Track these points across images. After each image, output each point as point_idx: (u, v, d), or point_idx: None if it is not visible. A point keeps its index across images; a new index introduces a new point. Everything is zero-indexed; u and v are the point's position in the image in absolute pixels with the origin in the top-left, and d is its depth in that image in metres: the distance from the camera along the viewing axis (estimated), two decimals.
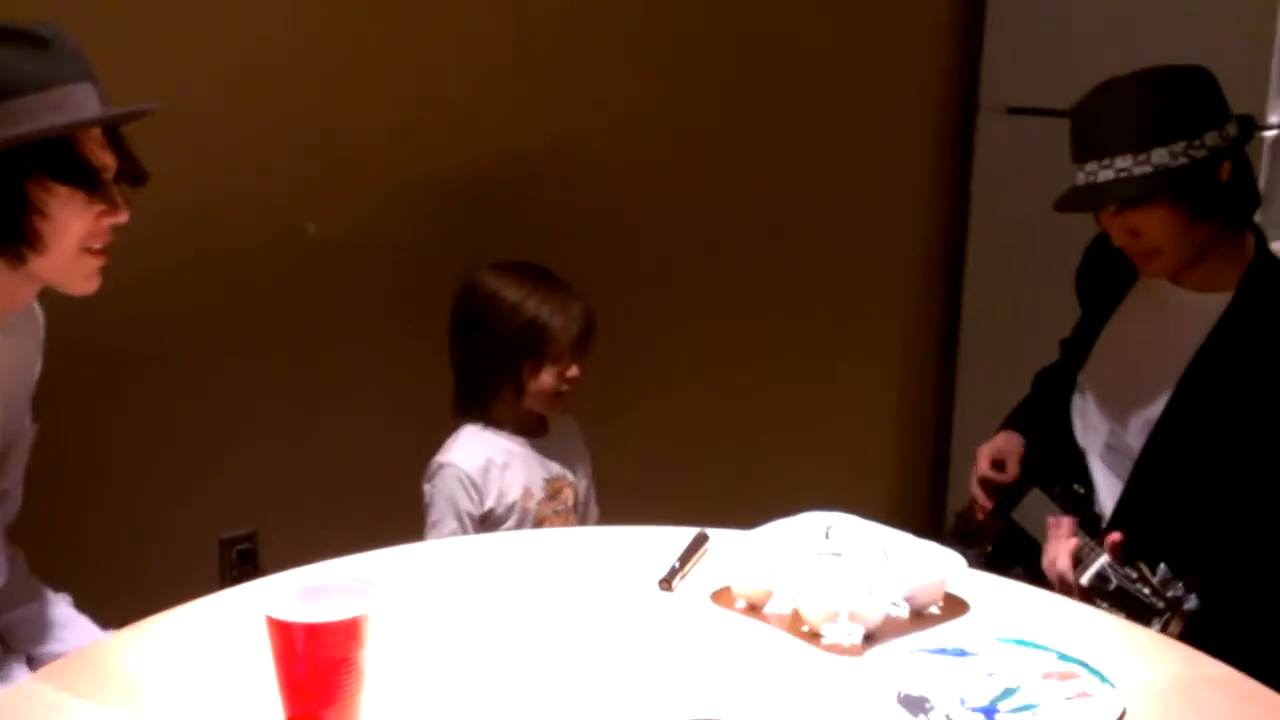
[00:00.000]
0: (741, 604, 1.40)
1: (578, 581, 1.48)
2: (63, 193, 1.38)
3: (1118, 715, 1.18)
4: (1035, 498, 2.00)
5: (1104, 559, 1.65)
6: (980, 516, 2.06)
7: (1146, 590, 1.57)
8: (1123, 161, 1.72)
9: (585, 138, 2.60)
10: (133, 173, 1.47)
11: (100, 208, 1.42)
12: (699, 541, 1.53)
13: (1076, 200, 1.79)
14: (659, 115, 2.68)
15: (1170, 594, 1.56)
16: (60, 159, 1.37)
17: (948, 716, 1.18)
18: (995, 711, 1.19)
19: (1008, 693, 1.22)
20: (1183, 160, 1.71)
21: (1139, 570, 1.61)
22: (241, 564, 2.32)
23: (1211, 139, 1.73)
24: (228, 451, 2.31)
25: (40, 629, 1.64)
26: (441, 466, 2.05)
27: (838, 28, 2.88)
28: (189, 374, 2.27)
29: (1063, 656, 1.29)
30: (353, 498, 2.36)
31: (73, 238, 1.41)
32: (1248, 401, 1.73)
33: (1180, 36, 2.56)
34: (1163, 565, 1.61)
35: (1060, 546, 1.73)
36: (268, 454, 2.35)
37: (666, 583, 1.45)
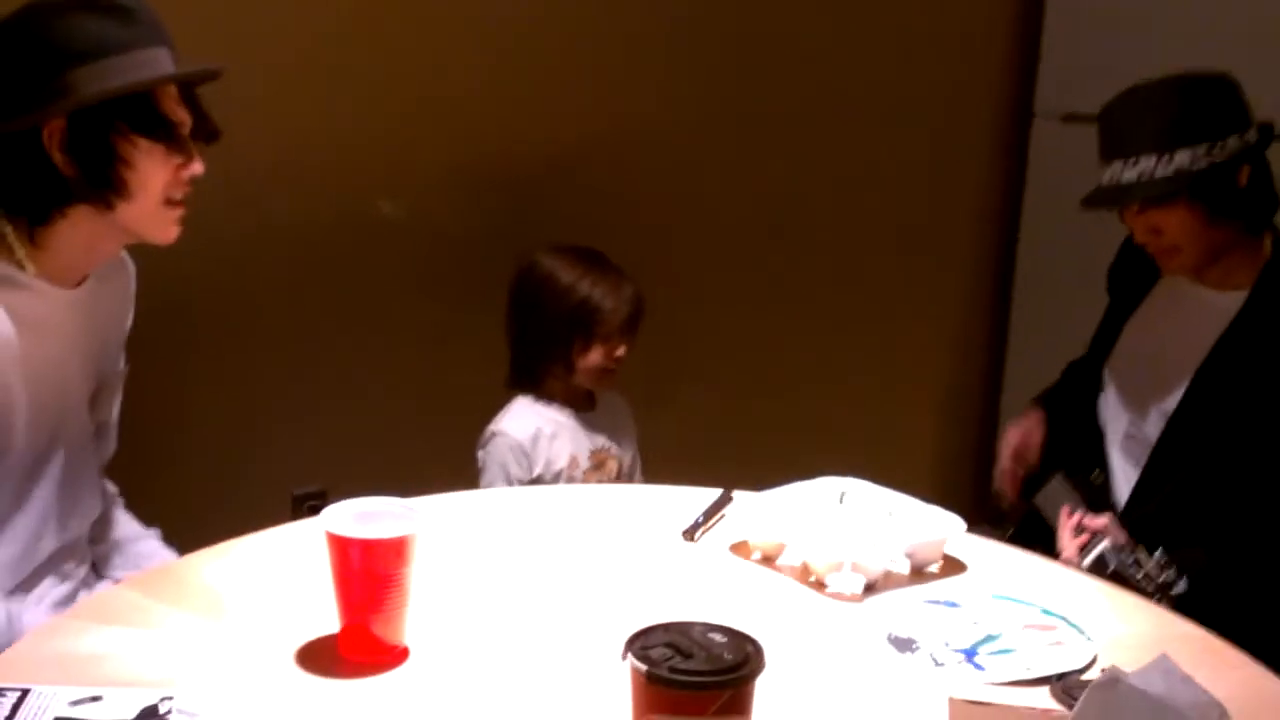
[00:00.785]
0: (757, 555, 1.53)
1: (611, 530, 1.62)
2: (145, 145, 1.51)
3: (1088, 661, 1.28)
4: (1057, 484, 2.10)
5: (1105, 544, 1.75)
6: (1003, 506, 2.16)
7: (1140, 575, 1.68)
8: (1146, 162, 1.81)
9: (640, 128, 2.74)
10: (206, 129, 1.60)
11: (178, 160, 1.54)
12: (724, 500, 1.66)
13: (1101, 198, 1.88)
14: (721, 112, 2.82)
15: (1161, 579, 1.66)
16: (143, 114, 1.51)
17: (931, 655, 1.30)
18: (975, 653, 1.30)
19: (989, 638, 1.33)
20: (1203, 163, 1.79)
21: (1136, 556, 1.71)
22: (311, 519, 2.48)
23: (1232, 143, 1.81)
24: (301, 413, 2.48)
25: (131, 559, 1.78)
26: (494, 435, 2.18)
27: (894, 32, 2.99)
28: (265, 337, 2.44)
29: (1045, 611, 1.40)
30: (413, 462, 2.49)
31: (155, 187, 1.53)
32: (1260, 395, 1.81)
33: (1231, 44, 2.62)
34: (1159, 550, 1.71)
35: (1068, 538, 1.83)
36: (337, 418, 2.52)
37: (690, 534, 1.58)
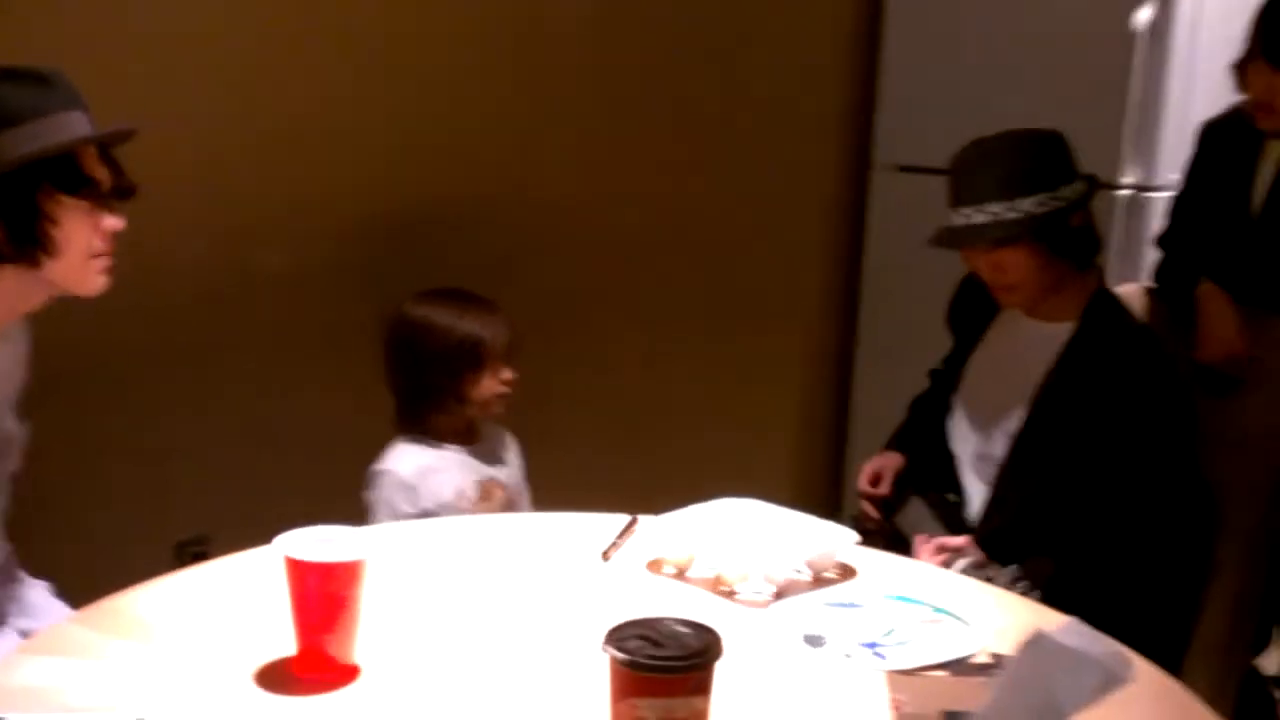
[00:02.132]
0: (670, 570, 1.65)
1: (529, 555, 1.71)
2: (70, 203, 1.58)
3: (976, 648, 1.44)
4: (915, 505, 2.30)
5: (963, 562, 1.94)
6: (869, 526, 2.33)
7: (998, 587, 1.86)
8: (995, 207, 2.02)
9: (510, 172, 2.87)
10: (122, 186, 1.67)
11: (100, 215, 1.62)
12: (631, 523, 1.78)
13: (952, 237, 2.08)
14: (586, 161, 2.97)
15: (1017, 590, 1.84)
16: (67, 174, 1.58)
17: (841, 650, 1.43)
18: (878, 645, 1.45)
19: (889, 632, 1.48)
20: (1043, 209, 2.01)
21: (988, 573, 1.89)
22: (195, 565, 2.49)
23: (1066, 191, 2.03)
24: (181, 461, 2.49)
25: (24, 608, 1.79)
26: (379, 473, 2.23)
27: (749, 91, 3.21)
28: (144, 386, 2.44)
29: (935, 609, 1.56)
30: (298, 505, 2.53)
31: (81, 243, 1.61)
32: (1089, 413, 2.01)
33: (1049, 106, 2.87)
34: (1013, 566, 1.90)
35: (927, 556, 2.01)
36: (219, 464, 2.53)
37: (605, 554, 1.69)
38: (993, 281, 2.11)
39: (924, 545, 2.05)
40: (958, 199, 2.08)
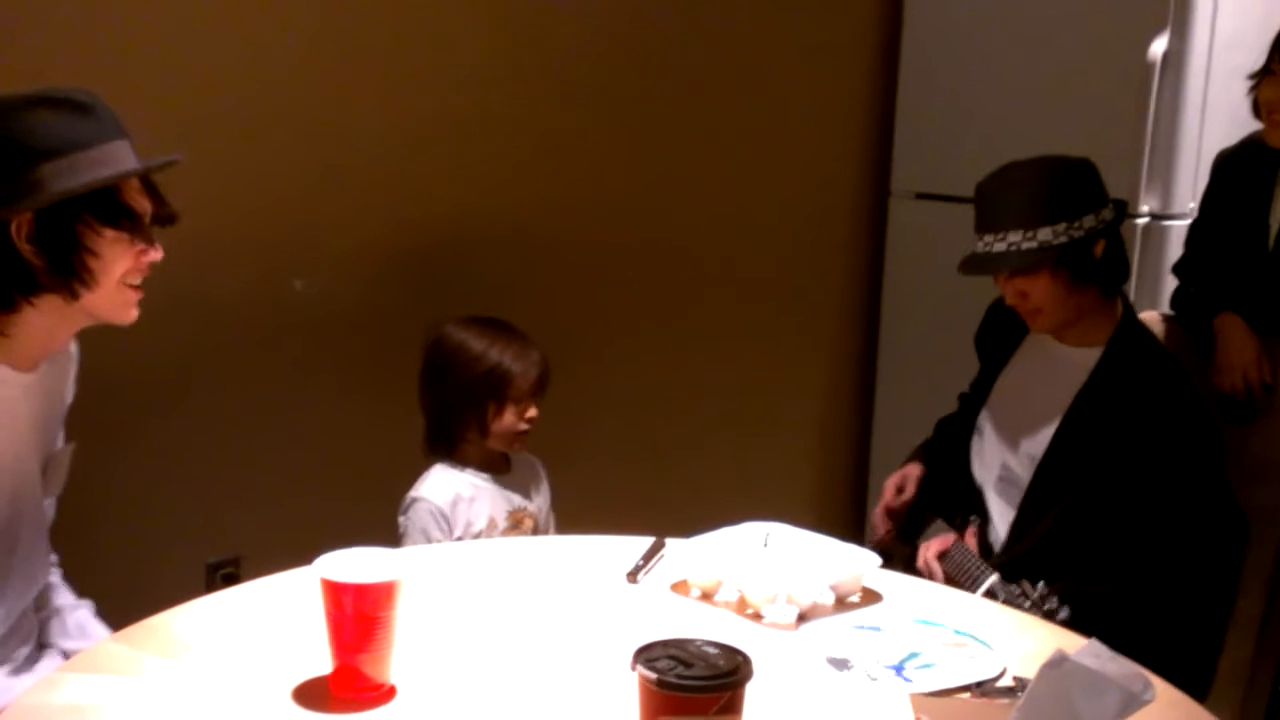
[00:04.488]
0: (696, 593, 1.68)
1: (558, 576, 1.74)
2: (110, 235, 1.58)
3: (999, 671, 1.46)
4: (938, 527, 2.32)
5: (994, 578, 1.96)
6: (877, 540, 2.35)
7: (1027, 604, 1.87)
8: (1014, 236, 2.05)
9: (541, 201, 2.92)
10: (164, 215, 1.68)
11: (141, 247, 1.62)
12: (657, 545, 1.80)
13: (975, 265, 2.11)
14: (614, 190, 3.03)
15: (1046, 607, 1.86)
16: (108, 206, 1.58)
17: (866, 672, 1.46)
18: (902, 668, 1.47)
19: (913, 655, 1.51)
20: (1064, 238, 2.03)
21: (1021, 587, 1.91)
22: (225, 587, 2.52)
23: (1089, 221, 2.05)
24: (215, 483, 2.53)
25: (67, 628, 1.82)
26: (415, 501, 2.25)
27: (769, 120, 3.26)
28: (179, 409, 2.49)
29: (957, 631, 1.58)
30: (331, 528, 2.56)
31: (118, 274, 1.61)
32: (1116, 438, 2.04)
33: (1066, 136, 2.92)
34: (1041, 583, 1.91)
35: (928, 547, 2.04)
36: (253, 487, 2.58)
37: (632, 576, 1.72)
38: (1018, 307, 2.13)
39: (922, 549, 2.09)
40: (981, 225, 2.11)
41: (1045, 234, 2.03)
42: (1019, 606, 1.85)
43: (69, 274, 1.57)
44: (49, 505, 1.79)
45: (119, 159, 1.60)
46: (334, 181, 2.62)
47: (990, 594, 1.92)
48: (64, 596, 1.85)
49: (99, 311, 1.65)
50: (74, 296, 1.59)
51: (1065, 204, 2.04)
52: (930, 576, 2.01)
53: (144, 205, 1.64)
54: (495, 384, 2.23)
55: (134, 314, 1.67)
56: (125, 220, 1.60)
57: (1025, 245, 2.03)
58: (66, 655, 1.76)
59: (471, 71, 2.79)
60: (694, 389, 3.24)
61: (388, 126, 2.68)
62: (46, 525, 1.77)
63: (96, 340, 1.78)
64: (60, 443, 1.81)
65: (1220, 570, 2.10)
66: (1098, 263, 2.07)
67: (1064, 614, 1.85)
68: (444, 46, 2.74)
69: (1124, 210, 2.17)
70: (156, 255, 1.65)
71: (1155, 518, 2.00)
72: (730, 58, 3.17)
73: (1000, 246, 2.06)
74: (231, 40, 2.46)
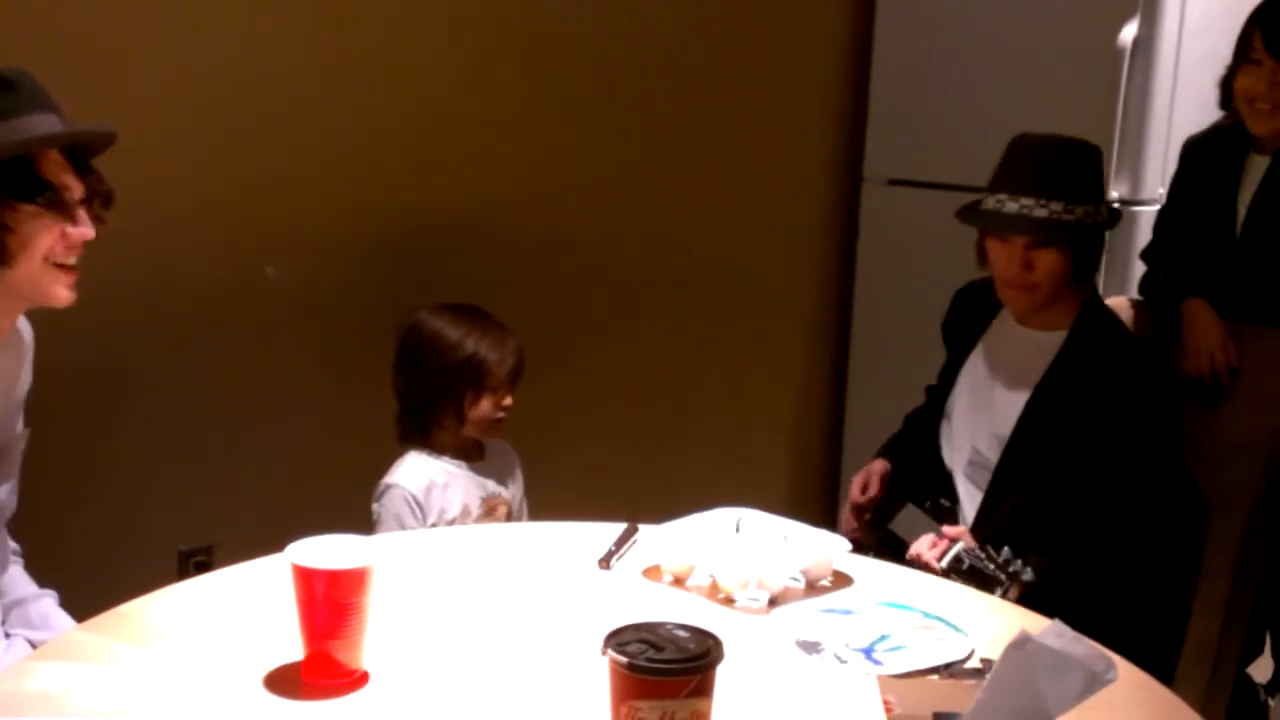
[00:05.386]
0: (668, 578, 1.69)
1: (531, 562, 1.75)
2: (26, 210, 1.53)
3: (967, 653, 1.48)
4: (909, 511, 2.34)
5: (960, 545, 1.97)
6: (848, 535, 2.36)
7: (992, 566, 1.88)
8: (1055, 205, 2.04)
9: (515, 189, 2.91)
10: (99, 192, 1.62)
11: (63, 224, 1.56)
12: (630, 531, 1.81)
13: (999, 222, 2.07)
14: (587, 177, 3.03)
15: (1010, 569, 1.86)
16: (21, 179, 1.52)
17: (835, 655, 1.47)
18: (872, 651, 1.48)
19: (883, 638, 1.52)
20: (1092, 219, 2.06)
21: (987, 552, 1.92)
22: (198, 574, 2.52)
23: (1105, 211, 2.10)
24: (187, 469, 2.53)
25: (28, 618, 1.81)
26: (389, 487, 2.24)
27: (742, 107, 3.26)
28: (152, 395, 2.48)
29: (926, 614, 1.59)
30: (304, 515, 2.55)
31: (38, 252, 1.55)
32: (1079, 418, 2.06)
33: (1037, 121, 2.91)
34: (1006, 548, 1.92)
35: (925, 545, 2.05)
36: (226, 474, 2.57)
37: (605, 562, 1.72)
38: (1013, 277, 2.10)
39: (921, 540, 2.09)
40: (1016, 186, 2.07)
41: (1081, 211, 2.05)
42: (984, 570, 1.86)
43: None
44: (5, 491, 1.77)
45: (37, 130, 1.54)
46: (310, 169, 2.61)
47: (955, 560, 1.91)
48: (27, 587, 1.84)
49: (25, 291, 1.59)
50: None
51: (1095, 188, 2.09)
52: (923, 568, 2.01)
53: (66, 180, 1.58)
54: (473, 373, 2.23)
55: (66, 295, 1.61)
56: (41, 195, 1.54)
57: (1065, 218, 2.04)
58: (34, 645, 1.75)
59: (460, 65, 2.78)
60: (666, 376, 3.24)
61: (375, 116, 2.67)
62: (2, 512, 1.75)
63: (68, 325, 1.76)
64: (19, 429, 1.78)
65: (1178, 550, 2.13)
66: (1099, 250, 2.11)
67: (1027, 575, 1.85)
68: (437, 39, 2.74)
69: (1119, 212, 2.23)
70: (85, 233, 1.59)
71: (1113, 496, 2.02)
72: (701, 41, 3.16)
73: (1042, 212, 2.04)
74: (216, 27, 2.45)
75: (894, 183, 3.34)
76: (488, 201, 2.87)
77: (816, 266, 3.55)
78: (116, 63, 2.32)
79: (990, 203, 2.10)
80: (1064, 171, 2.07)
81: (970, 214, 2.14)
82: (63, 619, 1.83)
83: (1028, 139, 2.13)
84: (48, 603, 1.85)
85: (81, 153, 1.62)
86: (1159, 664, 1.87)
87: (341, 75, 2.62)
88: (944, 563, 1.90)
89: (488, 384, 2.24)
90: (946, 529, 2.00)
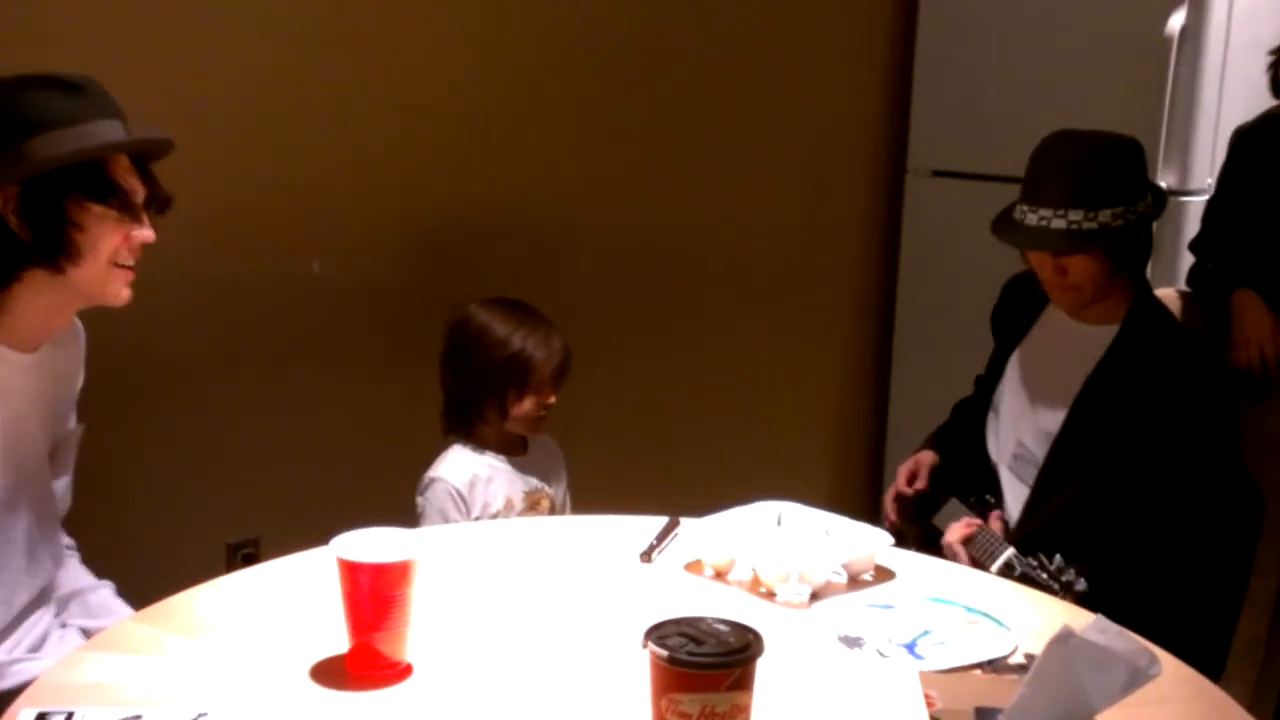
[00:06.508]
0: (709, 572, 1.69)
1: (574, 556, 1.76)
2: (97, 211, 1.59)
3: (1011, 649, 1.47)
4: (953, 506, 2.32)
5: (1010, 551, 1.96)
6: (889, 524, 2.35)
7: (1045, 575, 1.87)
8: (1074, 215, 2.01)
9: (559, 184, 2.94)
10: (158, 198, 1.69)
11: (128, 225, 1.62)
12: (671, 525, 1.81)
13: (1024, 237, 2.07)
14: (629, 172, 3.04)
15: (1064, 579, 1.86)
16: (94, 181, 1.59)
17: (877, 650, 1.47)
18: (914, 646, 1.48)
19: (925, 633, 1.51)
20: (1119, 222, 2.01)
21: (1039, 559, 1.91)
22: (245, 567, 2.55)
23: (1142, 206, 2.04)
24: (234, 464, 2.56)
25: (88, 609, 1.84)
26: (433, 481, 2.26)
27: (785, 99, 3.26)
28: (199, 392, 2.52)
29: (969, 609, 1.58)
30: (349, 509, 2.58)
31: (105, 251, 1.61)
32: (1131, 416, 2.04)
33: (1083, 112, 2.89)
34: (1058, 556, 1.91)
35: (953, 531, 2.04)
36: (272, 467, 2.60)
37: (646, 556, 1.73)
38: (1052, 282, 2.10)
39: (951, 529, 2.09)
40: (1037, 198, 2.06)
41: (1105, 216, 2.00)
42: (1036, 578, 1.85)
43: (55, 248, 1.58)
44: (60, 486, 1.80)
45: (107, 136, 1.61)
46: (352, 166, 2.64)
47: (1007, 567, 1.91)
48: (84, 578, 1.88)
49: (88, 290, 1.65)
50: (59, 271, 1.60)
51: (1125, 187, 2.03)
52: (954, 559, 2.01)
53: (133, 184, 1.64)
54: (518, 371, 2.23)
55: (125, 294, 1.67)
56: (112, 197, 1.60)
57: (1086, 226, 2.01)
58: (87, 635, 1.78)
59: (499, 61, 2.80)
60: (709, 371, 3.25)
61: (411, 114, 2.70)
62: (56, 506, 1.78)
63: (118, 323, 1.78)
64: (71, 424, 1.82)
65: (1234, 546, 2.10)
66: (1141, 247, 2.07)
67: (1081, 585, 1.84)
68: (466, 38, 2.75)
69: (1164, 197, 2.14)
70: (148, 236, 1.66)
71: (1169, 493, 2.00)
72: (745, 32, 3.16)
73: (1060, 224, 2.02)
74: (251, 23, 2.48)
75: (938, 174, 3.34)
76: (528, 197, 2.89)
77: (859, 259, 3.54)
78: (158, 65, 2.36)
79: (1016, 213, 2.09)
80: (1083, 179, 2.02)
81: (998, 226, 2.13)
82: (121, 607, 1.86)
83: (1049, 143, 2.10)
84: (106, 592, 1.88)
85: (144, 158, 1.68)
86: (1208, 660, 1.86)
87: (381, 74, 2.65)
88: (994, 569, 1.89)
89: (532, 382, 2.24)
90: (971, 521, 2.00)
